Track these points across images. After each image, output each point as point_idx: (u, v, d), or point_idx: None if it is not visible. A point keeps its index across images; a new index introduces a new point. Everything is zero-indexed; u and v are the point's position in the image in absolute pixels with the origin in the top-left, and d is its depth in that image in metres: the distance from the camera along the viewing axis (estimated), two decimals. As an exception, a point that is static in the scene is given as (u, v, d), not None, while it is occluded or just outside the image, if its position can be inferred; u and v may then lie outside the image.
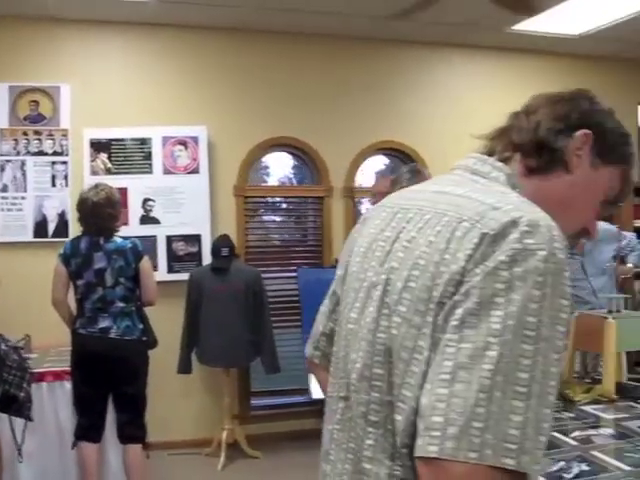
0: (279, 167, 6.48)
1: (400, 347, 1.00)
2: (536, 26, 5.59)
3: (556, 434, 2.25)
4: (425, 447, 0.88)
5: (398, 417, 0.99)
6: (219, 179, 5.60)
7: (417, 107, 5.95)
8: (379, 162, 6.30)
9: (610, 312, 2.82)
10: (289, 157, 6.06)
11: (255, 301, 5.09)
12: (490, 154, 1.20)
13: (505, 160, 1.18)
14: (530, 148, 1.17)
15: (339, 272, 1.30)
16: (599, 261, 3.81)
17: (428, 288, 0.97)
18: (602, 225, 4.00)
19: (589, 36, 5.83)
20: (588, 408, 2.59)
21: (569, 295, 0.94)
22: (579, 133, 1.17)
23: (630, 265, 3.97)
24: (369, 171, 6.11)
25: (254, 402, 5.79)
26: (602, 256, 3.82)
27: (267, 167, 7.22)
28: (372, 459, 1.04)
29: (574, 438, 2.21)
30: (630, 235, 4.12)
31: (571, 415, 2.50)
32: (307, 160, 5.93)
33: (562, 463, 1.97)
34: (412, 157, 5.89)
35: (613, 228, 4.01)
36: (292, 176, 6.18)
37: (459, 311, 0.92)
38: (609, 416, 2.50)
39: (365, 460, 1.05)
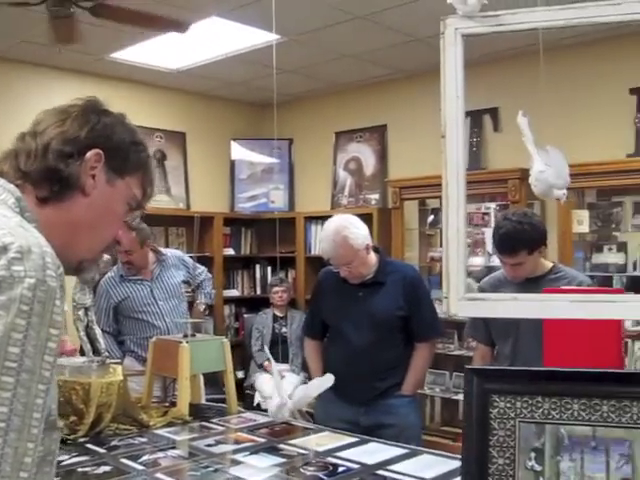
0: None
1: None
2: (135, 57, 5.66)
3: (125, 460, 2.26)
4: None
5: None
6: None
7: (8, 127, 5.54)
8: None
9: (185, 336, 2.93)
10: None
11: None
12: (2, 176, 1.13)
13: (17, 186, 1.11)
14: (40, 177, 1.12)
15: None
16: (169, 285, 3.90)
17: None
18: (171, 251, 4.18)
19: (185, 72, 6.06)
20: (162, 431, 2.65)
21: (60, 324, 0.93)
22: (89, 155, 1.14)
23: (201, 309, 4.13)
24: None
25: None
26: (172, 280, 3.92)
27: None
28: None
29: (142, 462, 2.24)
30: (202, 267, 4.29)
31: (143, 440, 2.54)
32: None
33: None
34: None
35: (182, 254, 4.19)
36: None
37: None
38: (181, 437, 2.60)
39: None
